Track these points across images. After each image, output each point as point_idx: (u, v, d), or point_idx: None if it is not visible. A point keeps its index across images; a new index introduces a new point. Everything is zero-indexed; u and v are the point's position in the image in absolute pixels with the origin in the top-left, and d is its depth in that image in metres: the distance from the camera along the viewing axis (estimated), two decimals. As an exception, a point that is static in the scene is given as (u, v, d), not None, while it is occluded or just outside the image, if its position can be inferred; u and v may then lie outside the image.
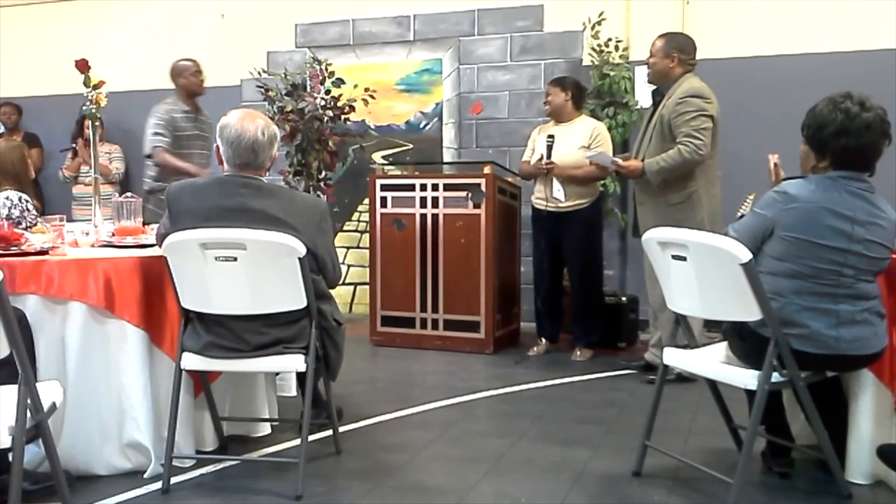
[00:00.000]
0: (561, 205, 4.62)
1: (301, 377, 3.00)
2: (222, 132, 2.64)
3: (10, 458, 2.00)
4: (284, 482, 2.67)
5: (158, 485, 2.63)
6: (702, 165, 3.82)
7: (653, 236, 2.61)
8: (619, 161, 4.00)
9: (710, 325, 3.43)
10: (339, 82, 5.63)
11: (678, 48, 3.94)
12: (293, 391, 3.44)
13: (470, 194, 4.76)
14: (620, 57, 5.44)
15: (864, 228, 2.38)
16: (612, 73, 5.39)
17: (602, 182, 4.87)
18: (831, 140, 2.43)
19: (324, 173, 5.65)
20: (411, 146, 6.16)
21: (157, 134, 4.62)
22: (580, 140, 4.55)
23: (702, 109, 3.77)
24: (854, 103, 2.41)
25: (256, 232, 2.52)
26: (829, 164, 2.46)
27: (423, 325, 4.92)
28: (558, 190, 4.51)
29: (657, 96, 4.01)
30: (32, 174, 3.93)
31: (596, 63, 5.48)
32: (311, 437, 3.00)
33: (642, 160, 3.92)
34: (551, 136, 4.54)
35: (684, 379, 3.78)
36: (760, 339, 2.39)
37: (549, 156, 4.51)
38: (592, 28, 5.45)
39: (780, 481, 2.70)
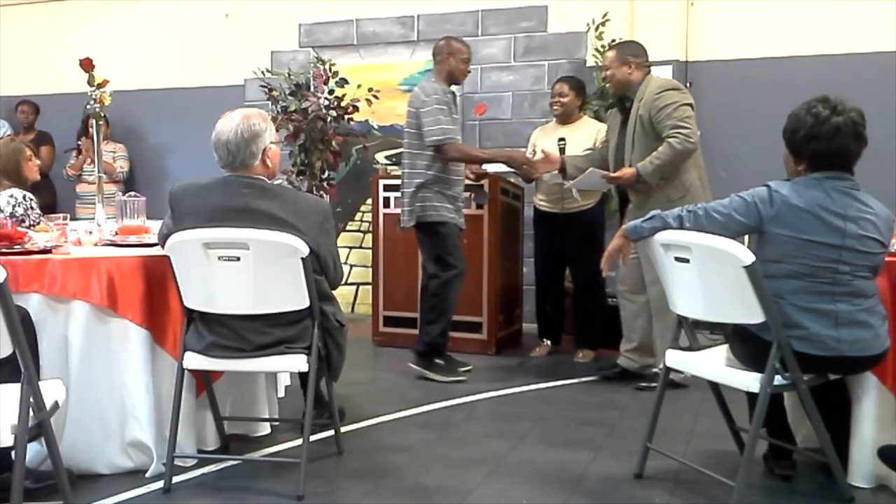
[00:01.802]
0: (566, 206, 4.62)
1: (301, 378, 3.01)
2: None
3: (13, 457, 2.00)
4: (286, 482, 2.67)
5: (160, 484, 2.63)
6: (692, 155, 3.83)
7: (656, 238, 2.60)
8: (611, 174, 3.93)
9: (713, 327, 3.43)
10: (343, 82, 5.64)
11: (632, 54, 3.96)
12: (282, 392, 3.44)
13: (472, 195, 4.76)
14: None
15: (855, 224, 2.38)
16: (615, 75, 5.38)
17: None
18: (803, 144, 2.45)
19: (327, 173, 5.66)
20: (414, 146, 6.15)
21: (444, 123, 4.00)
22: (587, 142, 4.54)
23: (681, 100, 3.78)
24: (826, 107, 2.42)
25: (259, 232, 2.52)
26: (806, 168, 2.48)
27: (426, 325, 4.92)
28: (576, 191, 4.48)
29: (625, 102, 3.98)
30: (36, 175, 3.93)
31: (600, 64, 5.47)
32: (313, 438, 3.00)
33: (629, 166, 3.90)
34: (562, 139, 4.51)
35: (675, 385, 3.74)
36: (762, 342, 2.39)
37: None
38: (596, 29, 5.45)
39: (781, 484, 2.70)
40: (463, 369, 4.22)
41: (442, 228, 4.08)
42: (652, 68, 4.08)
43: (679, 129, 3.72)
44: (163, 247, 2.70)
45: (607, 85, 4.13)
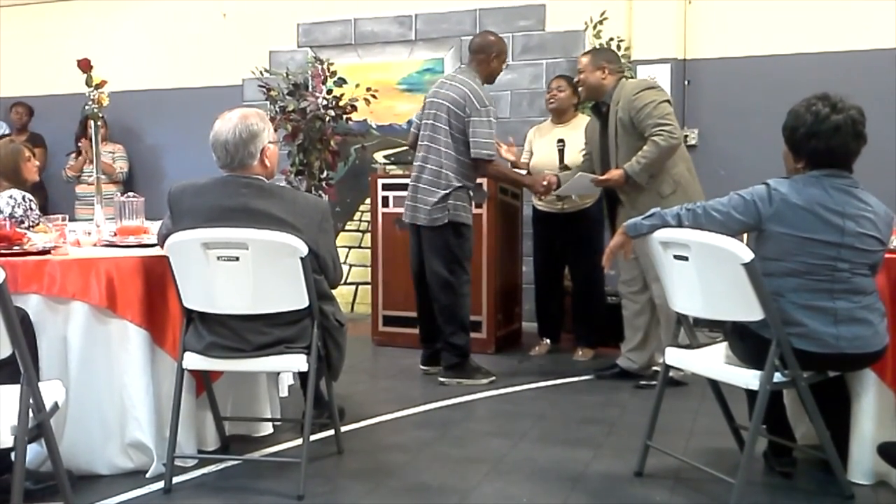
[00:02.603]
0: (565, 207, 4.61)
1: (301, 377, 3.01)
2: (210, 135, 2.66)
3: (13, 458, 2.00)
4: (286, 482, 2.67)
5: (160, 484, 2.63)
6: (678, 151, 3.84)
7: (654, 236, 2.60)
8: (599, 177, 3.92)
9: (712, 325, 3.43)
10: (341, 82, 5.64)
11: (606, 59, 3.98)
12: (285, 391, 3.44)
13: (471, 194, 4.74)
14: (622, 56, 5.43)
15: (854, 222, 2.39)
16: (613, 73, 5.38)
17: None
18: (803, 141, 2.46)
19: (325, 173, 5.65)
20: (413, 146, 6.15)
21: (489, 139, 3.96)
22: (581, 142, 4.53)
23: (658, 98, 3.80)
24: (825, 105, 2.43)
25: (258, 232, 2.52)
26: (805, 165, 2.49)
27: (425, 324, 4.91)
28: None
29: (601, 107, 3.99)
30: (35, 176, 3.93)
31: (598, 63, 5.47)
32: (313, 437, 3.00)
33: (616, 167, 3.90)
34: (561, 140, 4.48)
35: (675, 383, 3.74)
36: (761, 339, 2.39)
37: (561, 160, 4.45)
38: (594, 28, 5.45)
39: (782, 481, 2.70)
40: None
41: (467, 231, 4.08)
42: (643, 67, 4.09)
43: (661, 126, 3.74)
44: (162, 247, 2.70)
45: (580, 88, 4.16)
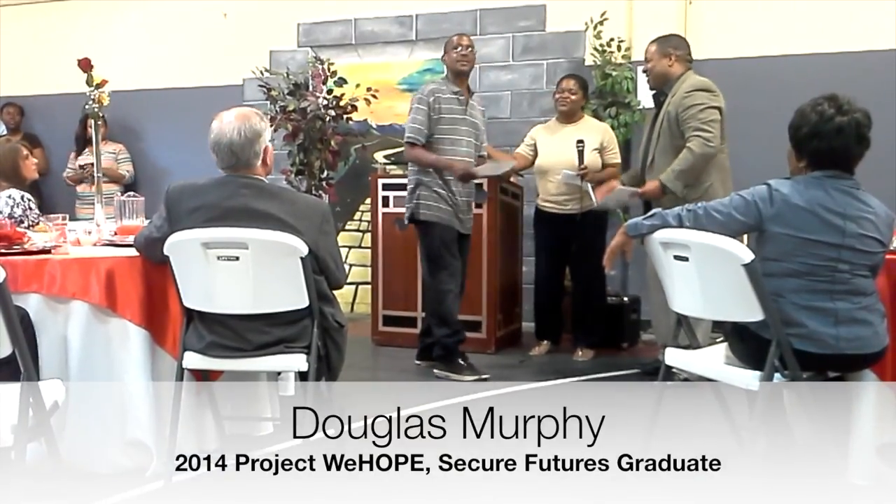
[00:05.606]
0: (583, 207, 4.54)
1: (301, 377, 3.01)
2: (209, 136, 2.65)
3: (12, 457, 2.00)
4: (286, 481, 2.67)
5: (160, 483, 2.63)
6: (714, 159, 3.80)
7: (655, 237, 2.60)
8: (637, 190, 3.90)
9: (713, 325, 3.42)
10: (342, 82, 5.64)
11: (673, 46, 3.96)
12: (292, 390, 3.43)
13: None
14: (623, 57, 5.45)
15: (855, 223, 2.39)
16: (614, 74, 5.39)
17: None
18: (805, 141, 2.46)
19: (325, 173, 5.66)
20: (413, 146, 6.15)
21: (416, 123, 4.14)
22: (592, 143, 4.52)
23: (709, 102, 3.77)
24: (831, 106, 2.42)
25: (258, 231, 2.52)
26: (807, 165, 2.49)
27: (425, 324, 4.92)
28: (594, 195, 4.43)
29: (660, 97, 3.99)
30: (34, 174, 3.93)
31: (598, 63, 5.48)
32: (312, 437, 3.00)
33: (651, 161, 3.89)
34: (581, 141, 4.43)
35: (674, 382, 3.75)
36: (761, 340, 2.40)
37: (581, 161, 4.40)
38: (595, 28, 5.46)
39: (781, 481, 2.69)
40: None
41: (433, 229, 4.17)
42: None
43: (700, 131, 3.71)
44: (139, 250, 2.71)
45: (648, 80, 4.14)
